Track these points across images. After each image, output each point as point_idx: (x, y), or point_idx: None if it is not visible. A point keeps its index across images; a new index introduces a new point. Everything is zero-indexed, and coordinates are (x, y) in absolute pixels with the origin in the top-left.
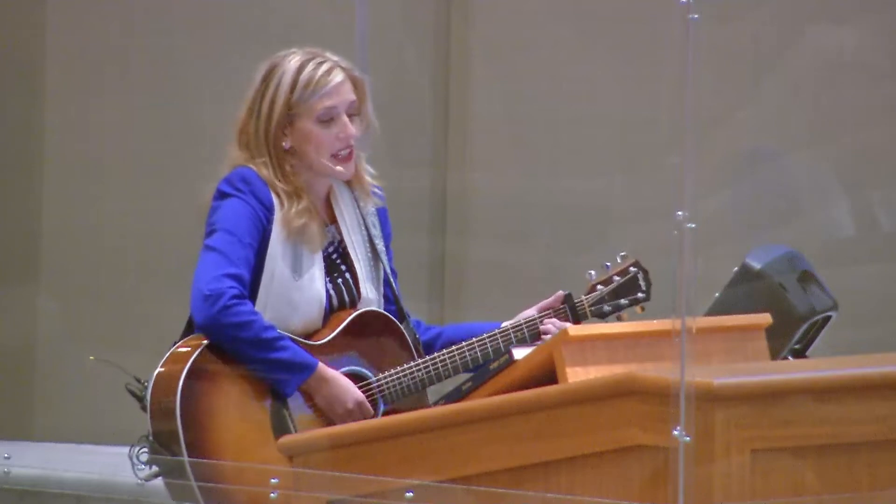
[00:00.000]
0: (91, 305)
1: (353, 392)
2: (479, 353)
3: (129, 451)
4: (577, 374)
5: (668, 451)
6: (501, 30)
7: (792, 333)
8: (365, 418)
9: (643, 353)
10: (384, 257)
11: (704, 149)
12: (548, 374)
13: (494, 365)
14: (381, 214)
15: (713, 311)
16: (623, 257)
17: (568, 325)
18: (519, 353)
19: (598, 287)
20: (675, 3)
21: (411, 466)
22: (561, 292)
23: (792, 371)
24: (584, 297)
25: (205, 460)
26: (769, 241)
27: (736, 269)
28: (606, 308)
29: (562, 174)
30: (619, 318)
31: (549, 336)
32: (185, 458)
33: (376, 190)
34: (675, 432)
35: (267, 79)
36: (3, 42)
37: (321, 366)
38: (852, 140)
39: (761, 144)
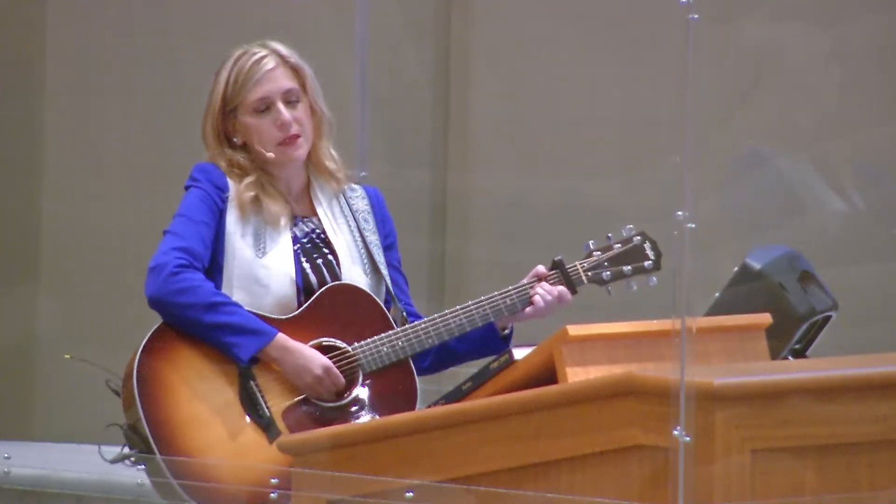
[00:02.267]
0: (91, 305)
1: (319, 359)
2: (464, 320)
3: (99, 445)
4: (577, 374)
5: (668, 451)
6: (501, 30)
7: (792, 333)
8: (336, 386)
9: (643, 353)
10: (375, 249)
11: (704, 149)
12: (548, 374)
13: (494, 365)
14: (376, 200)
15: (713, 311)
16: (629, 229)
17: (559, 288)
18: (519, 353)
19: (596, 254)
20: (675, 3)
21: (411, 466)
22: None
23: (792, 371)
24: (577, 263)
25: (203, 459)
26: (769, 241)
27: (736, 269)
28: (606, 274)
29: (562, 174)
30: (627, 287)
31: (538, 299)
32: (176, 458)
33: (340, 176)
34: (675, 432)
35: (215, 78)
36: (3, 42)
37: (281, 335)
38: (852, 140)
39: (761, 145)
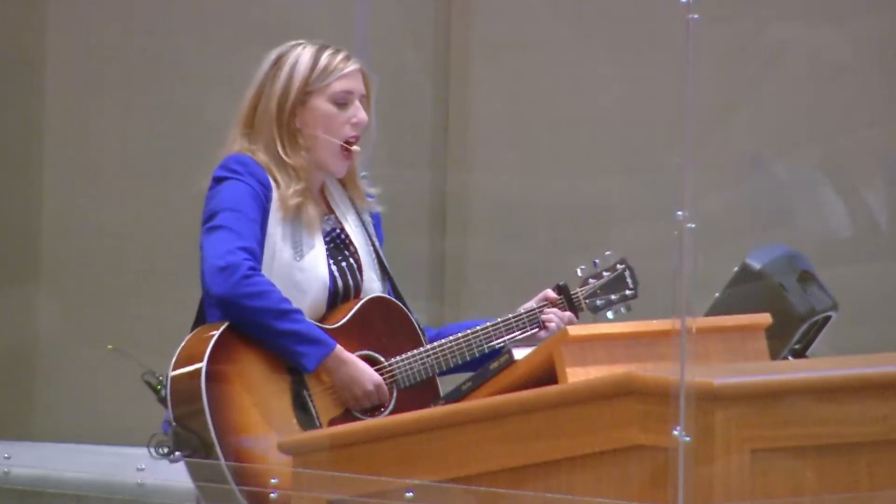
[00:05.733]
0: (91, 305)
1: (372, 374)
2: (483, 340)
3: (149, 445)
4: (577, 374)
5: (668, 451)
6: (501, 30)
7: (792, 333)
8: (381, 402)
9: (643, 353)
10: (380, 248)
11: (704, 149)
12: (548, 374)
13: (494, 365)
14: (376, 220)
15: (713, 311)
16: (610, 256)
17: (568, 314)
18: (519, 353)
19: (591, 281)
20: (675, 3)
21: (411, 466)
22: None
23: (792, 371)
24: (578, 290)
25: (207, 461)
26: (769, 241)
27: (736, 269)
28: (599, 302)
29: (562, 174)
30: (611, 314)
31: (552, 324)
32: (215, 441)
33: (369, 198)
34: (675, 432)
35: (278, 64)
36: (3, 42)
37: (339, 347)
38: (851, 140)
39: (762, 152)
